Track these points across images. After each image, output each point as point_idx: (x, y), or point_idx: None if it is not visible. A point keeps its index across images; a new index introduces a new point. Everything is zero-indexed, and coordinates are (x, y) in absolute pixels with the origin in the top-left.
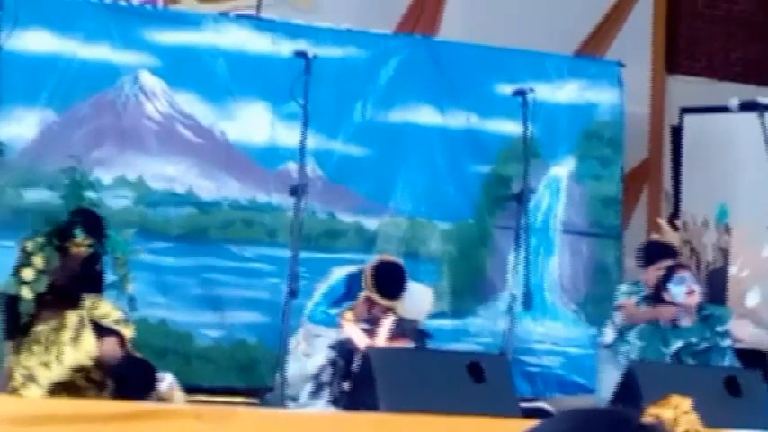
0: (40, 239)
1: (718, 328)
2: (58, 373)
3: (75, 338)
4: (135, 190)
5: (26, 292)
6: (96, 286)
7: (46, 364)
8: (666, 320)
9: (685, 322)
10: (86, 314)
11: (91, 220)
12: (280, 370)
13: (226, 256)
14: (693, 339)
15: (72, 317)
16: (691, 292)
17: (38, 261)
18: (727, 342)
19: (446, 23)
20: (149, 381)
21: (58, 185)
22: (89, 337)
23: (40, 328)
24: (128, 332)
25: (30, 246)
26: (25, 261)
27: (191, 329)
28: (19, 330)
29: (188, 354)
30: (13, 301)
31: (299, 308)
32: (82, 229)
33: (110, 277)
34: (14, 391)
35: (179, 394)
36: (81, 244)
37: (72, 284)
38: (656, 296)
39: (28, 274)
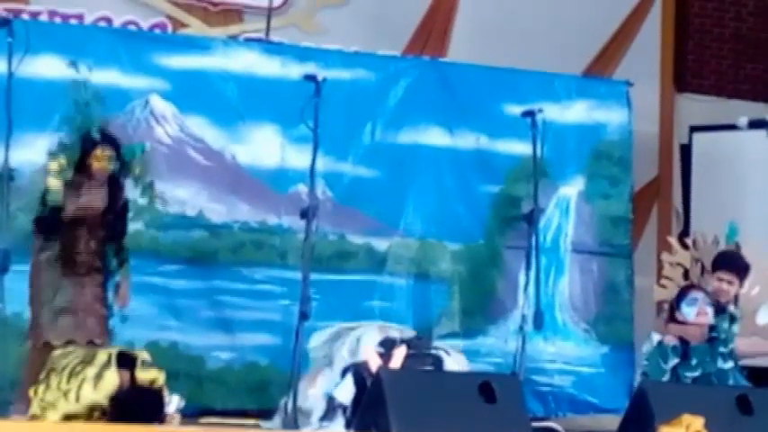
0: (64, 148)
1: (721, 350)
2: (75, 407)
3: (98, 377)
4: (146, 213)
5: (53, 183)
6: (122, 218)
7: (65, 394)
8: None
9: (691, 334)
10: (115, 353)
11: (105, 137)
12: (292, 392)
13: (236, 279)
14: (693, 362)
15: (102, 356)
16: (702, 314)
17: (62, 160)
18: (729, 364)
19: (454, 45)
20: (154, 411)
21: None
22: (112, 378)
23: (66, 360)
24: (143, 355)
25: (55, 149)
26: (51, 159)
27: (202, 352)
28: (48, 225)
29: (200, 376)
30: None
31: (310, 329)
32: (100, 143)
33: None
34: (34, 417)
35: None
36: (101, 157)
37: (99, 212)
38: (671, 313)
39: (54, 165)
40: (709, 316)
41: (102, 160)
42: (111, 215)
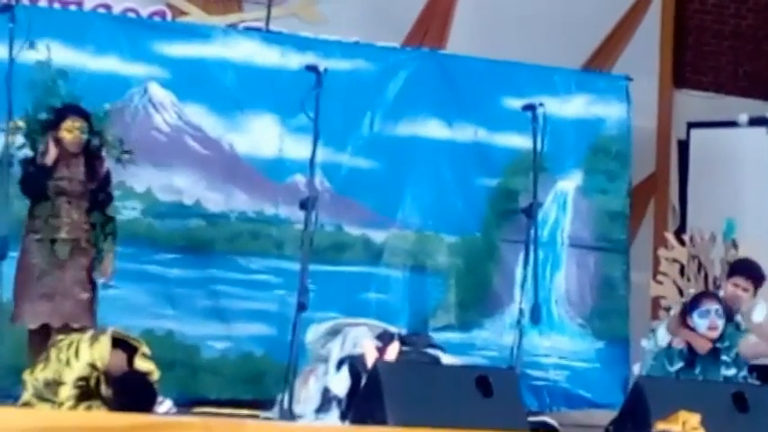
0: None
1: (724, 358)
2: (77, 367)
3: (94, 338)
4: (143, 201)
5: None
6: (104, 188)
7: (67, 362)
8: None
9: (699, 344)
10: (112, 329)
11: (73, 108)
12: (288, 383)
13: (233, 269)
14: (696, 370)
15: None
16: (713, 328)
17: (19, 122)
18: (731, 371)
19: (454, 37)
20: (148, 400)
21: None
22: (105, 342)
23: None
24: (144, 348)
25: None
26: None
27: (197, 341)
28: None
29: (195, 365)
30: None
31: (307, 320)
32: (68, 114)
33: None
34: (26, 405)
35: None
36: (71, 128)
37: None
38: (682, 316)
39: (12, 126)
40: (719, 330)
41: (72, 131)
42: (93, 185)
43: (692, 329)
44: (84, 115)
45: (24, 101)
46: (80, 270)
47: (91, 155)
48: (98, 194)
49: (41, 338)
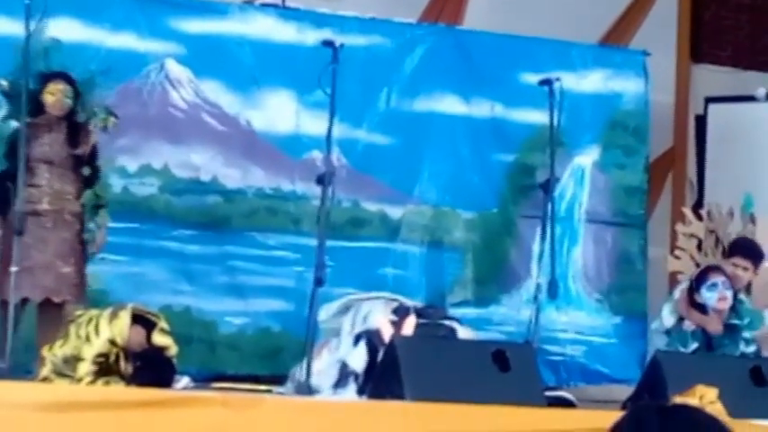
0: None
1: (745, 335)
2: (97, 344)
3: (113, 314)
4: (160, 178)
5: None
6: (92, 163)
7: (87, 338)
8: (711, 332)
9: (711, 328)
10: (131, 305)
11: (57, 73)
12: (306, 358)
13: (250, 245)
14: (714, 344)
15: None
16: (722, 299)
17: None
18: (751, 348)
19: (470, 12)
20: (167, 376)
21: None
22: (125, 318)
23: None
24: (163, 323)
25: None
26: None
27: (215, 317)
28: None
29: (212, 341)
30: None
31: (324, 296)
32: (52, 78)
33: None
34: (44, 381)
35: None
36: (54, 90)
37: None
38: (689, 294)
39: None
40: (728, 300)
41: (55, 93)
42: (76, 152)
43: (702, 307)
44: (68, 80)
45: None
46: (62, 243)
47: (75, 124)
48: (85, 168)
49: (51, 313)
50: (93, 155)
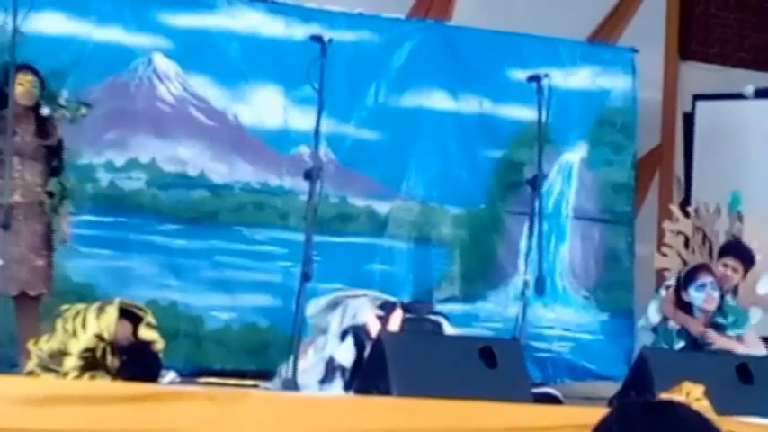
0: None
1: (729, 333)
2: (84, 338)
3: (101, 309)
4: (147, 172)
5: None
6: (58, 154)
7: (74, 332)
8: (693, 333)
9: (693, 329)
10: (119, 300)
11: (25, 65)
12: (292, 353)
13: (237, 239)
14: (699, 342)
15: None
16: (709, 300)
17: None
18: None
19: (459, 8)
20: (154, 370)
21: (68, 165)
22: (112, 312)
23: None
24: (149, 317)
25: None
26: None
27: (202, 312)
28: None
29: (199, 336)
30: None
31: (311, 291)
32: (20, 69)
33: None
34: (30, 374)
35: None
36: (23, 81)
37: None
38: (677, 293)
39: None
40: (715, 301)
41: (24, 83)
42: (46, 143)
43: (688, 305)
44: (35, 72)
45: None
46: (35, 236)
47: (42, 116)
48: (52, 160)
49: (27, 306)
50: (60, 146)
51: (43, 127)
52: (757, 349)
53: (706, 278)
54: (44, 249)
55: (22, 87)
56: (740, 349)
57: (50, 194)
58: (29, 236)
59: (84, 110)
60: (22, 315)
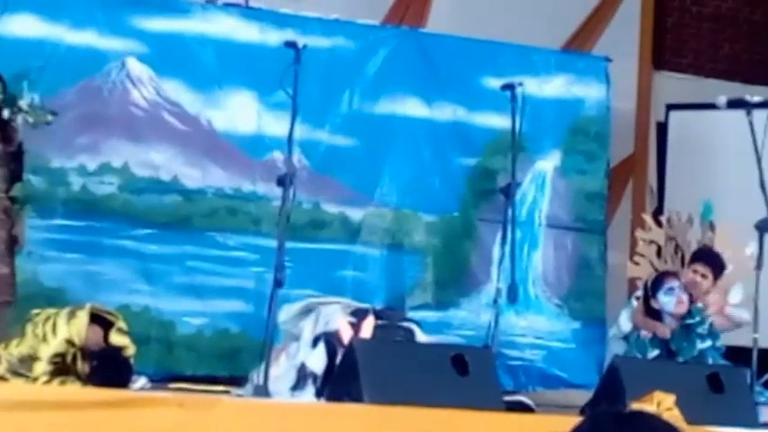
0: None
1: (699, 330)
2: (54, 344)
3: (71, 314)
4: (120, 177)
5: None
6: (18, 159)
7: (44, 337)
8: (659, 335)
9: (660, 332)
10: (89, 305)
11: None
12: (265, 360)
13: (210, 245)
14: (672, 347)
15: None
16: (680, 303)
17: None
18: (707, 343)
19: (434, 16)
20: (124, 376)
21: (40, 169)
22: (83, 317)
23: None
24: (121, 323)
25: None
26: None
27: (173, 317)
28: None
29: (170, 341)
30: None
31: (283, 297)
32: None
33: None
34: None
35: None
36: None
37: None
38: (646, 303)
39: None
40: (685, 304)
41: None
42: (9, 150)
43: (657, 313)
44: None
45: None
46: (0, 243)
47: (2, 120)
48: (13, 165)
49: None
50: (20, 151)
51: (5, 132)
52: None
53: (673, 282)
54: (7, 257)
55: None
56: (729, 310)
57: (13, 200)
58: None
59: (49, 117)
60: None
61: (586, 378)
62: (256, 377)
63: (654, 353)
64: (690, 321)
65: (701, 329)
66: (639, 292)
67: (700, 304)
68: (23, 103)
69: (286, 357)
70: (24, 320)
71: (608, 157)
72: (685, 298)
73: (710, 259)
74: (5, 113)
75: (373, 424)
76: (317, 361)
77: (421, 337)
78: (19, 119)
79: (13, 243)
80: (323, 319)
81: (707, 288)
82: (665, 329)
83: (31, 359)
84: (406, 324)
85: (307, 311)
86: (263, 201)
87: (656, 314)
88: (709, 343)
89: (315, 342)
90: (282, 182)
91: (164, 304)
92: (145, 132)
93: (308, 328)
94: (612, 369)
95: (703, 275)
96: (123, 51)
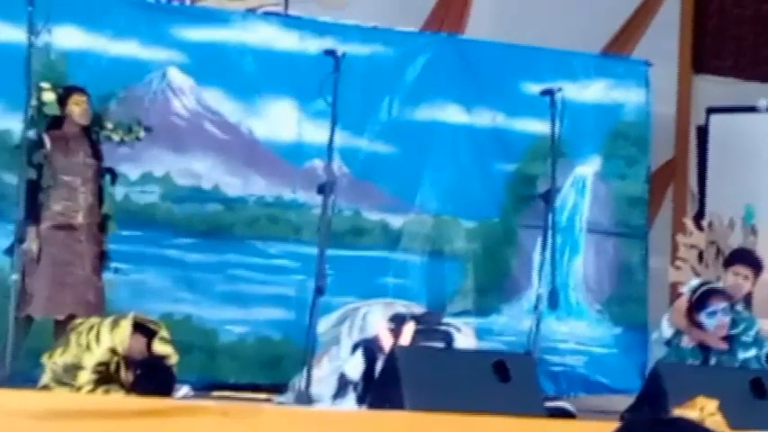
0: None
1: (743, 338)
2: (98, 353)
3: (115, 323)
4: (161, 186)
5: (47, 96)
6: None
7: (87, 346)
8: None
9: (713, 342)
10: (132, 315)
11: (75, 87)
12: (306, 367)
13: (251, 253)
14: (712, 359)
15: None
16: (721, 327)
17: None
18: (751, 352)
19: (472, 22)
20: (167, 384)
21: None
22: (126, 326)
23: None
24: (163, 332)
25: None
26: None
27: (216, 325)
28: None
29: (213, 350)
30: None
31: (325, 305)
32: (74, 91)
33: None
34: (44, 388)
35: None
36: (79, 101)
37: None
38: (689, 313)
39: (46, 85)
40: (726, 327)
41: (80, 104)
42: (101, 170)
43: (700, 324)
44: (85, 93)
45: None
46: (95, 258)
47: (92, 137)
48: (101, 181)
49: (64, 325)
50: (111, 169)
51: (95, 148)
52: None
53: (718, 304)
54: (100, 272)
55: (79, 107)
56: None
57: (106, 216)
58: (91, 258)
59: (142, 133)
60: (60, 335)
61: (628, 383)
62: (298, 384)
63: (694, 362)
64: (733, 332)
65: (746, 337)
66: (684, 299)
67: (744, 311)
68: (108, 122)
69: (328, 360)
70: (68, 329)
71: (648, 161)
72: (728, 320)
73: (749, 259)
74: (99, 132)
75: (415, 431)
76: (354, 368)
77: (460, 340)
78: (116, 136)
79: (104, 258)
80: (358, 324)
81: (749, 289)
82: (718, 341)
83: (75, 368)
84: (444, 328)
85: (344, 318)
86: (303, 208)
87: (700, 325)
88: (753, 352)
89: (354, 349)
90: (323, 189)
91: (206, 312)
92: (186, 141)
93: (345, 330)
94: (654, 374)
95: (745, 276)
96: (164, 61)
